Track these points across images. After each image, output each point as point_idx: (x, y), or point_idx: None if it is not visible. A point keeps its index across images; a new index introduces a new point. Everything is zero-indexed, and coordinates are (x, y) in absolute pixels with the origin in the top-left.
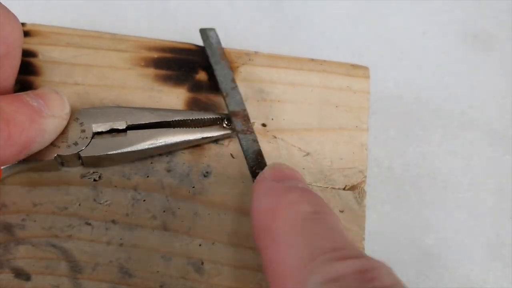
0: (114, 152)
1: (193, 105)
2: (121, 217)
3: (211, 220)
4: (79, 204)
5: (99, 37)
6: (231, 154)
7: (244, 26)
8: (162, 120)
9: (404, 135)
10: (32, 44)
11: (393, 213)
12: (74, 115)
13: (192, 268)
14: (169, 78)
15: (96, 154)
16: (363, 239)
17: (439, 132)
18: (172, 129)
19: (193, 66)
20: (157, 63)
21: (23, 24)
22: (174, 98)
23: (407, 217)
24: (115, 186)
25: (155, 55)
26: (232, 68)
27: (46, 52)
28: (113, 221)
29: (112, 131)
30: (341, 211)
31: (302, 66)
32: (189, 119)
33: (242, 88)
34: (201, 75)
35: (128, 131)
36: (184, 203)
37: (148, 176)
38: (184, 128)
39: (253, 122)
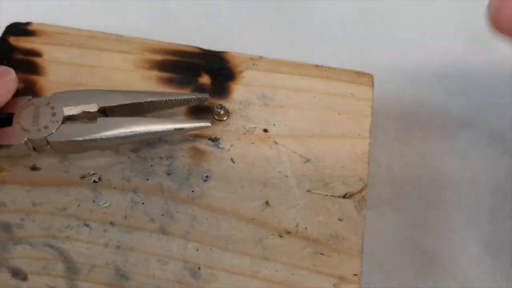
0: (82, 138)
1: (194, 108)
2: (120, 220)
3: (209, 225)
4: (78, 205)
5: (104, 38)
6: (231, 158)
7: (244, 26)
8: (135, 101)
9: (404, 135)
10: (37, 43)
11: (393, 213)
12: (46, 99)
13: (188, 272)
14: (172, 81)
15: (64, 140)
16: (361, 248)
17: (439, 132)
18: (143, 118)
19: (197, 69)
20: (161, 66)
21: (29, 23)
22: None
23: (407, 217)
24: (115, 188)
25: (159, 57)
26: (235, 73)
27: (51, 52)
28: (111, 223)
29: (84, 115)
30: (340, 220)
31: (306, 72)
32: (163, 100)
33: (245, 93)
34: (205, 79)
35: (98, 119)
36: (183, 207)
37: (147, 179)
38: (157, 118)
39: (255, 127)
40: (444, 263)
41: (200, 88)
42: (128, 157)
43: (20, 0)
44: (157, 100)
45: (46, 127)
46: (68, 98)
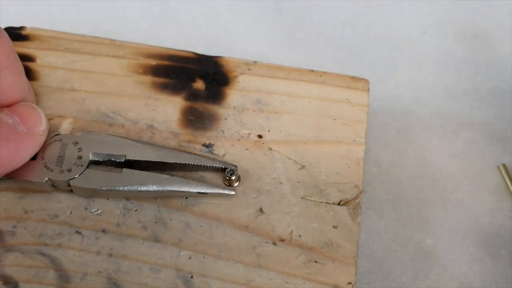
0: (105, 188)
1: (189, 114)
2: (112, 227)
3: (202, 232)
4: (70, 213)
5: (97, 43)
6: None
7: (244, 26)
8: (163, 160)
9: (404, 135)
10: (31, 48)
11: (393, 213)
12: (74, 138)
13: (181, 281)
14: (166, 86)
15: (87, 187)
16: (356, 256)
17: (439, 132)
18: (169, 177)
19: (191, 74)
20: (155, 71)
21: (22, 28)
22: (170, 106)
23: (407, 217)
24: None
25: (153, 62)
26: (229, 78)
27: (44, 57)
28: (104, 231)
29: (110, 162)
30: (335, 227)
31: (301, 77)
32: (190, 164)
33: (239, 98)
34: (199, 84)
35: (124, 170)
36: (176, 214)
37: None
38: (183, 179)
39: (249, 133)
40: (444, 263)
41: (195, 94)
42: None
43: (20, 0)
44: (185, 163)
45: (69, 170)
46: (97, 141)
